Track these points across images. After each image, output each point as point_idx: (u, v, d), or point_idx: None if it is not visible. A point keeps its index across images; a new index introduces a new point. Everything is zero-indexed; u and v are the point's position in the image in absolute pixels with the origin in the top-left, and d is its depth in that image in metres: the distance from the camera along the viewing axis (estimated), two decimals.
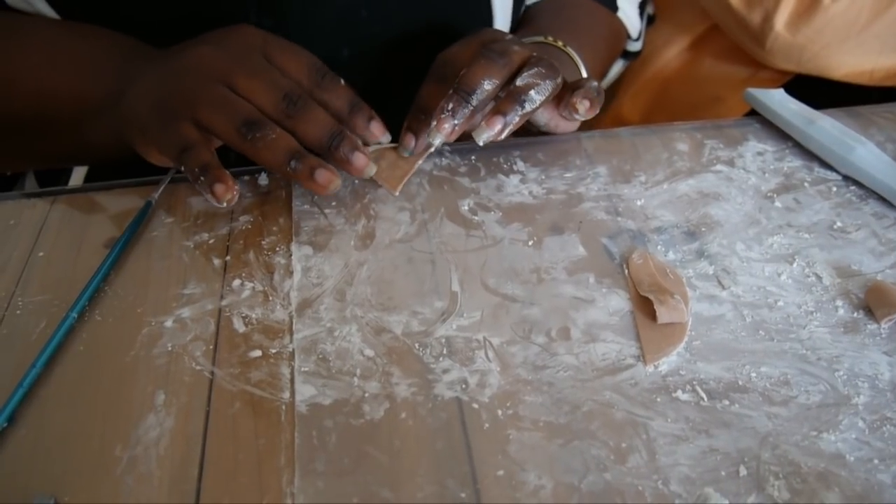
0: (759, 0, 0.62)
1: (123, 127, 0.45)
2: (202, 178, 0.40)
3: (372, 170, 0.44)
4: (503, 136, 0.43)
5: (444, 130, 0.43)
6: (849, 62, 0.62)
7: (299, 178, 0.42)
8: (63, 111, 0.48)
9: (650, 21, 0.75)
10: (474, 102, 0.42)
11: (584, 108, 0.45)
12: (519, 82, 0.43)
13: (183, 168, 0.41)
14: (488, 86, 0.43)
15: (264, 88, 0.42)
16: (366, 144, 0.45)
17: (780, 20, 0.61)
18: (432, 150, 0.46)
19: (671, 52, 0.75)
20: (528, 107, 0.43)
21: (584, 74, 0.52)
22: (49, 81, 0.48)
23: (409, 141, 0.46)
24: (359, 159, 0.43)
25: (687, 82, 0.74)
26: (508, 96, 0.43)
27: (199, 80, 0.42)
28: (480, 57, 0.43)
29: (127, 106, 0.44)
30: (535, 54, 0.44)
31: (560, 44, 0.53)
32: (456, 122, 0.43)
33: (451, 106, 0.42)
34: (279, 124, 0.42)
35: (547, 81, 0.43)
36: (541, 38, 0.53)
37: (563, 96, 0.46)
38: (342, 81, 0.44)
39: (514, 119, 0.43)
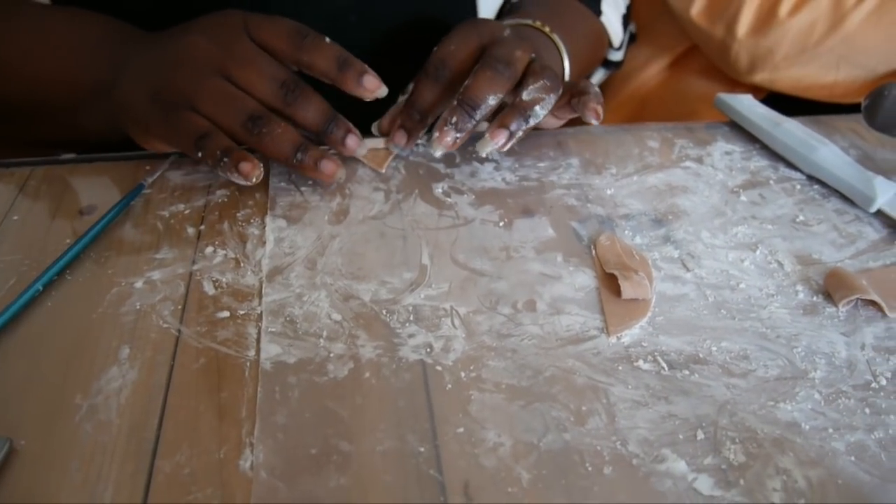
0: (719, 14, 0.65)
1: (118, 114, 0.45)
2: (225, 160, 0.41)
3: (364, 149, 0.46)
4: (506, 148, 0.44)
5: (445, 143, 0.44)
6: (809, 74, 0.64)
7: (305, 169, 0.43)
8: (56, 96, 0.48)
9: (632, 39, 0.77)
10: (477, 117, 0.44)
11: (602, 112, 0.46)
12: (525, 97, 0.43)
13: (200, 154, 0.42)
14: (493, 100, 0.44)
15: (260, 78, 0.43)
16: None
17: (741, 31, 0.64)
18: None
19: (651, 71, 0.78)
20: (533, 121, 0.44)
21: (567, 64, 0.53)
22: (41, 66, 0.48)
23: (401, 138, 0.47)
24: (352, 141, 0.45)
25: (665, 99, 0.76)
26: (514, 110, 0.43)
27: (194, 71, 0.43)
28: (486, 67, 0.43)
29: (120, 93, 0.45)
30: (536, 60, 0.45)
31: (547, 29, 0.53)
32: (458, 135, 0.44)
33: (454, 119, 0.43)
34: (278, 112, 0.43)
35: (552, 95, 0.44)
36: (528, 22, 0.54)
37: (562, 100, 0.46)
38: (326, 39, 0.44)
39: (518, 133, 0.44)
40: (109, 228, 0.42)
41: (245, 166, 0.41)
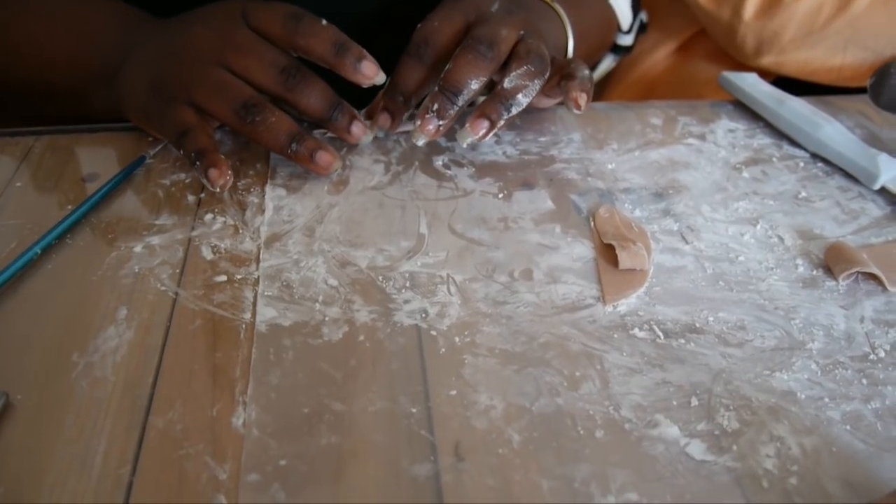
0: None
1: (121, 101, 0.45)
2: (198, 163, 0.41)
3: (369, 137, 0.45)
4: (487, 138, 0.43)
5: (428, 132, 0.42)
6: (816, 57, 0.64)
7: (300, 159, 0.43)
8: (63, 80, 0.48)
9: (643, 29, 0.77)
10: (460, 103, 0.42)
11: (583, 103, 0.43)
12: (507, 84, 0.42)
13: (181, 151, 0.42)
14: (475, 85, 0.42)
15: (259, 66, 0.42)
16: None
17: (748, 14, 0.64)
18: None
19: (659, 55, 0.77)
20: (515, 110, 0.42)
21: (570, 36, 0.51)
22: (50, 50, 0.48)
23: (385, 120, 0.46)
24: (357, 129, 0.44)
25: (672, 83, 0.76)
26: (495, 99, 0.42)
27: (194, 63, 0.42)
28: (468, 50, 0.42)
29: (124, 81, 0.45)
30: (523, 39, 0.44)
31: None
32: (441, 123, 0.42)
33: (436, 107, 0.42)
34: (279, 98, 0.42)
35: (536, 81, 0.42)
36: None
37: (552, 80, 0.45)
38: (323, 22, 0.43)
39: (499, 122, 0.42)
40: (111, 196, 0.42)
41: (212, 173, 0.40)
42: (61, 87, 0.49)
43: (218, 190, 0.41)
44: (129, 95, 0.45)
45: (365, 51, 0.43)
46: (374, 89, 0.45)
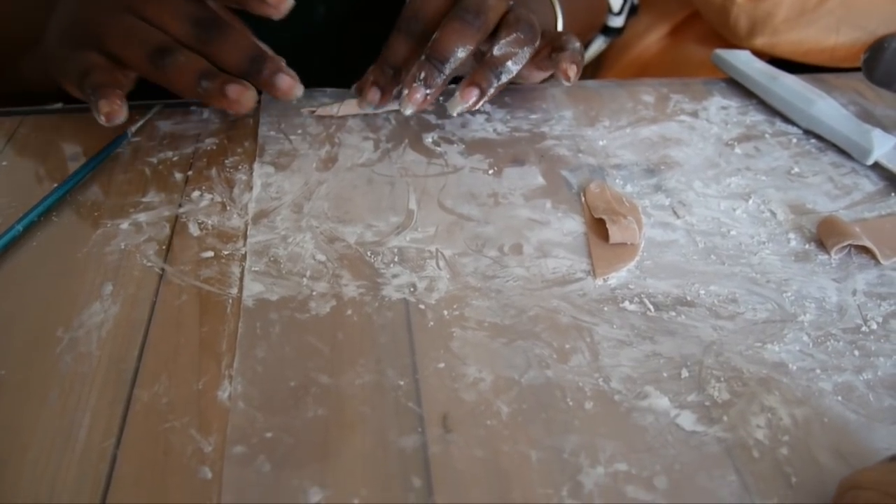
0: None
1: (45, 59, 0.44)
2: (92, 98, 0.39)
3: (299, 90, 0.42)
4: (478, 106, 0.42)
5: (415, 101, 0.42)
6: (809, 37, 0.63)
7: (211, 97, 0.40)
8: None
9: (634, 11, 0.76)
10: (447, 71, 0.41)
11: (573, 74, 0.43)
12: (496, 52, 0.42)
13: (82, 94, 0.40)
14: (462, 53, 0.41)
15: (173, 17, 0.40)
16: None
17: None
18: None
19: (651, 38, 0.77)
20: (505, 78, 0.42)
21: (559, 15, 0.51)
22: None
23: (374, 95, 0.44)
24: (283, 80, 0.41)
25: (665, 66, 0.75)
26: (484, 66, 0.42)
27: (107, 9, 0.41)
28: (454, 19, 0.41)
29: (46, 37, 0.43)
30: (512, 8, 0.43)
31: None
32: (428, 91, 0.42)
33: (423, 75, 0.41)
34: (195, 52, 0.40)
35: (525, 48, 0.42)
36: None
37: (542, 52, 0.44)
38: None
39: (490, 90, 0.42)
40: (96, 174, 0.42)
41: (101, 103, 0.39)
42: None
43: (104, 121, 0.39)
44: (46, 51, 0.43)
45: None
46: (361, 64, 0.44)
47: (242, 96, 0.40)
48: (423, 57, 0.41)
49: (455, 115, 0.43)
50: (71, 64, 0.41)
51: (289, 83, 0.41)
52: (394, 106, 0.46)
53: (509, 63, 0.42)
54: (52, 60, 0.43)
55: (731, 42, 0.70)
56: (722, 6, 0.66)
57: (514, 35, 0.41)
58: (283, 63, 0.42)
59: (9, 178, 0.41)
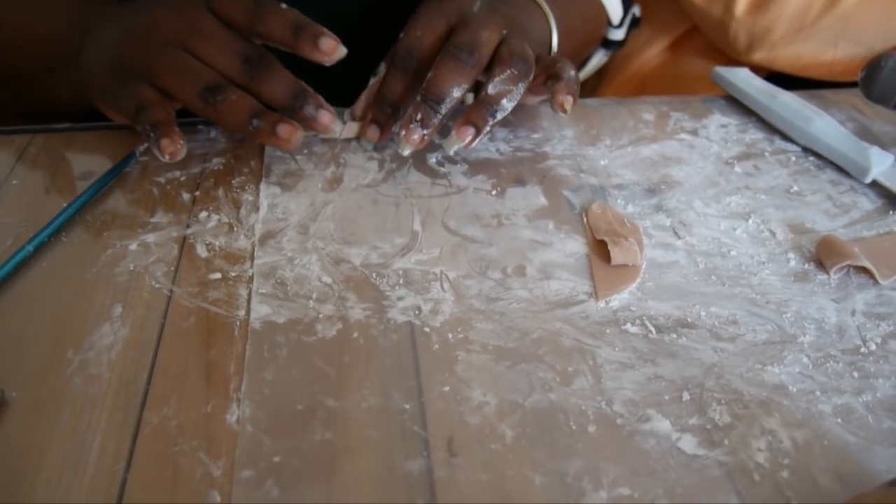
0: None
1: (83, 83, 0.45)
2: (152, 135, 0.40)
3: (338, 127, 0.44)
4: (473, 145, 0.43)
5: (412, 142, 0.43)
6: (808, 52, 0.64)
7: (262, 135, 0.42)
8: (27, 64, 0.48)
9: (636, 24, 0.77)
10: (443, 111, 0.42)
11: (569, 107, 0.43)
12: (491, 90, 0.42)
13: (138, 128, 0.41)
14: (457, 93, 0.42)
15: (222, 53, 0.41)
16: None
17: (739, 10, 0.64)
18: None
19: (651, 52, 0.77)
20: (500, 115, 0.42)
21: (555, 31, 0.51)
22: (13, 33, 0.48)
23: (373, 133, 0.46)
24: (324, 117, 0.43)
25: (665, 80, 0.76)
26: (479, 105, 0.42)
27: (157, 44, 0.42)
28: (448, 57, 0.42)
29: (86, 62, 0.44)
30: (505, 39, 0.43)
31: None
32: (425, 132, 0.42)
33: (419, 116, 0.42)
34: (242, 87, 0.42)
35: (520, 85, 0.42)
36: None
37: (538, 79, 0.44)
38: (282, 5, 0.42)
39: (485, 128, 0.42)
40: (105, 194, 0.42)
41: (164, 141, 0.40)
42: (26, 71, 0.48)
43: (167, 158, 0.40)
44: (88, 76, 0.44)
45: (323, 28, 0.42)
46: (360, 85, 0.45)
47: (293, 136, 0.42)
48: (418, 98, 0.42)
49: (451, 153, 0.43)
50: (125, 97, 0.42)
51: (329, 118, 0.43)
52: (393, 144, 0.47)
53: (504, 101, 0.42)
54: (99, 89, 0.44)
55: (731, 56, 0.71)
56: (721, 21, 0.66)
57: (509, 72, 0.42)
58: (323, 100, 0.43)
59: (19, 196, 0.42)
